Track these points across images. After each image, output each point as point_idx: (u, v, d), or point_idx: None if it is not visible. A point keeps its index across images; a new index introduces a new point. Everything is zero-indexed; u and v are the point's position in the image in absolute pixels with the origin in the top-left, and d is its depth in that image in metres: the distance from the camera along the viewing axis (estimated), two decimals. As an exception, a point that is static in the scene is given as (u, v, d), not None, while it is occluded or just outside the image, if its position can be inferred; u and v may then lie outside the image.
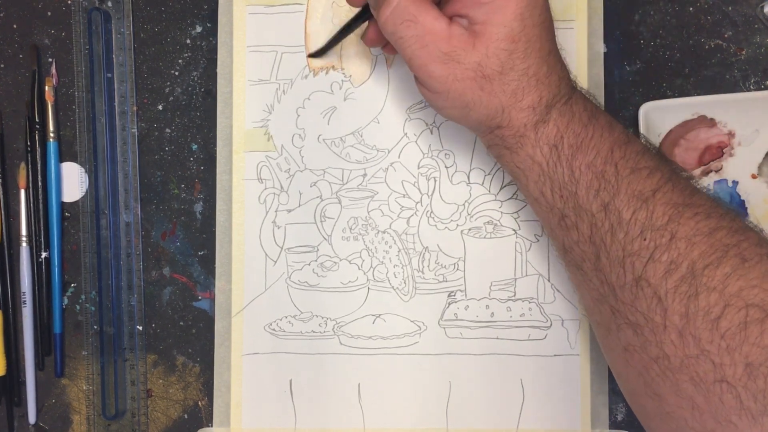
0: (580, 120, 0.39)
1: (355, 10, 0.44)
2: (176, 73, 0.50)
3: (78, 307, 0.50)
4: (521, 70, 0.38)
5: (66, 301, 0.50)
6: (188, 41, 0.50)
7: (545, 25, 0.39)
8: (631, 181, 0.37)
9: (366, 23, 0.44)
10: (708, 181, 0.48)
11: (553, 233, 0.41)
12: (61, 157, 0.50)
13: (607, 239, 0.37)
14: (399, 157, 0.49)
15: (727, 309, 0.34)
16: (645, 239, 0.36)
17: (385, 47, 0.45)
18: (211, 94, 0.50)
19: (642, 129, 0.47)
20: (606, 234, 0.37)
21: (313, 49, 0.48)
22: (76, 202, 0.50)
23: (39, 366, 0.50)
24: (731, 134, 0.48)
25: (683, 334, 0.35)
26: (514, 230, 0.48)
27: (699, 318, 0.34)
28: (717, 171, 0.48)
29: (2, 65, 0.51)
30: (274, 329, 0.49)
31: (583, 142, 0.38)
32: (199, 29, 0.50)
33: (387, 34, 0.40)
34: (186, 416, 0.50)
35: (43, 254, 0.50)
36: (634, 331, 0.37)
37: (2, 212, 0.50)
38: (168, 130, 0.50)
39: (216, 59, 0.49)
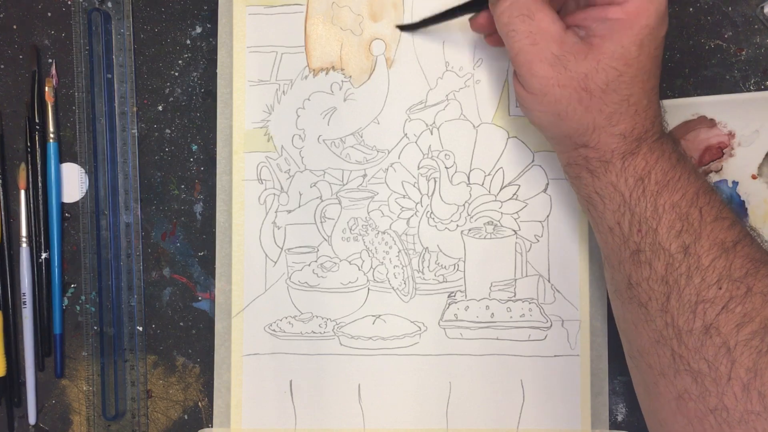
0: (669, 160, 0.38)
1: None
2: (176, 74, 0.50)
3: (78, 307, 0.50)
4: (623, 96, 0.38)
5: (66, 301, 0.50)
6: (188, 42, 0.50)
7: (657, 60, 0.38)
8: (714, 229, 0.37)
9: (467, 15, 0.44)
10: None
11: (619, 266, 0.40)
12: (61, 158, 0.50)
13: (682, 282, 0.37)
14: (399, 157, 0.49)
15: None
16: (721, 288, 0.36)
17: (489, 37, 0.45)
18: (211, 95, 0.50)
19: (642, 129, 0.47)
20: (681, 276, 0.37)
21: (397, 24, 0.49)
22: (76, 203, 0.50)
23: (39, 367, 0.50)
24: (731, 134, 0.48)
25: (748, 388, 0.34)
26: (514, 231, 0.48)
27: (767, 375, 0.34)
28: (717, 171, 0.48)
29: (2, 66, 0.51)
30: (274, 330, 0.49)
31: (670, 181, 0.38)
32: (198, 30, 0.50)
33: (501, 24, 0.39)
34: (186, 417, 0.50)
35: (43, 255, 0.50)
36: (693, 378, 0.36)
37: (2, 213, 0.50)
38: (168, 131, 0.50)
39: (216, 60, 0.49)
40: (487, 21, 0.43)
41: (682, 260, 0.37)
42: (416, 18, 0.48)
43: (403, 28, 0.48)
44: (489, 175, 0.49)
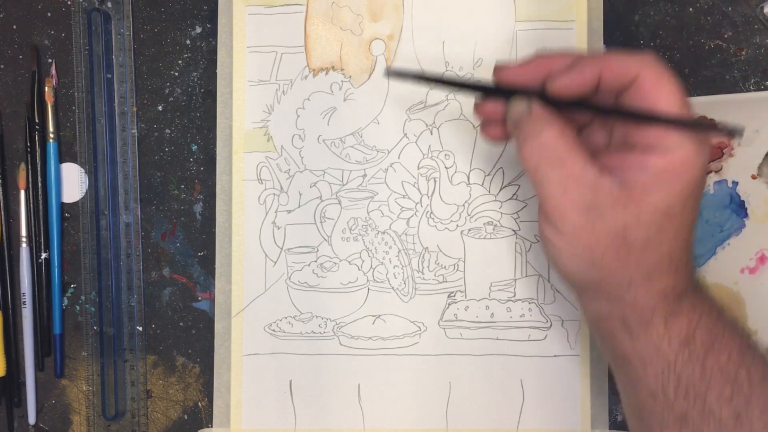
0: (710, 316, 0.36)
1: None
2: (176, 74, 0.50)
3: (78, 307, 0.50)
4: (664, 252, 0.35)
5: (66, 301, 0.50)
6: (188, 42, 0.50)
7: (695, 214, 0.36)
8: (762, 390, 0.35)
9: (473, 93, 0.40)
10: (708, 182, 0.48)
11: (661, 429, 0.37)
12: (61, 158, 0.50)
13: None
14: (399, 157, 0.49)
15: None
16: None
17: (486, 128, 0.41)
18: (210, 95, 0.50)
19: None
20: None
21: (393, 66, 0.46)
22: (75, 203, 0.50)
23: (39, 367, 0.50)
24: (731, 135, 0.48)
25: None
26: (514, 231, 0.48)
27: None
28: (717, 171, 0.48)
29: (2, 66, 0.51)
30: (274, 330, 0.49)
31: (716, 339, 0.35)
32: (198, 30, 0.50)
33: (526, 166, 0.36)
34: (186, 417, 0.50)
35: (43, 255, 0.50)
36: None
37: (2, 213, 0.50)
38: (168, 131, 0.50)
39: (216, 60, 0.49)
40: (502, 134, 0.40)
41: (734, 427, 0.34)
42: (412, 63, 0.46)
43: (391, 74, 0.40)
44: (489, 175, 0.49)
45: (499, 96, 0.39)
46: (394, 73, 0.40)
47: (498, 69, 0.39)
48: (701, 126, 0.35)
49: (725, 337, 0.35)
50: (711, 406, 0.35)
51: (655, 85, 0.34)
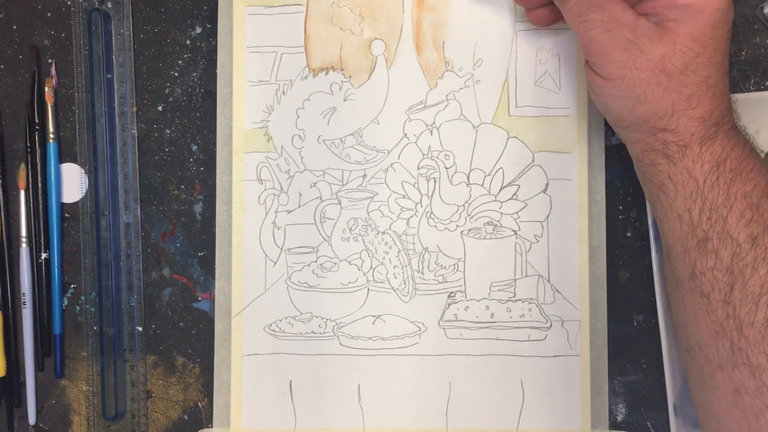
0: (743, 149, 0.39)
1: None
2: (176, 74, 0.50)
3: (78, 308, 0.50)
4: (702, 77, 0.38)
5: (66, 302, 0.50)
6: (188, 42, 0.50)
7: (726, 42, 0.39)
8: None
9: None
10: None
11: (684, 256, 0.39)
12: (61, 158, 0.50)
13: (747, 272, 0.37)
14: (399, 157, 0.49)
15: None
16: None
17: (532, 12, 0.46)
18: (210, 95, 0.50)
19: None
20: (747, 266, 0.37)
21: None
22: (76, 203, 0.50)
23: (39, 367, 0.50)
24: (731, 135, 0.48)
25: None
26: (514, 231, 0.48)
27: None
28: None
29: (2, 66, 0.51)
30: (274, 330, 0.49)
31: (744, 170, 0.38)
32: (198, 30, 0.50)
33: (571, 16, 0.40)
34: (186, 417, 0.50)
35: (43, 255, 0.50)
36: (751, 372, 0.36)
37: (2, 213, 0.50)
38: (168, 131, 0.50)
39: (216, 60, 0.49)
40: (550, 14, 0.44)
41: (749, 250, 0.37)
42: None
43: None
44: (489, 175, 0.49)
45: None
46: None
47: None
48: None
49: (753, 171, 0.38)
50: (730, 228, 0.37)
51: None
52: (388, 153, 0.49)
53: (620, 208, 0.49)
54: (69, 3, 0.50)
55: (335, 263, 0.49)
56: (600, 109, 0.42)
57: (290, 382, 0.49)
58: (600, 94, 0.41)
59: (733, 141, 0.39)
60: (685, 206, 0.39)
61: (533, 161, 0.48)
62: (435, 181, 0.49)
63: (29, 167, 0.50)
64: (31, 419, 0.50)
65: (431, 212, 0.49)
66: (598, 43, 0.39)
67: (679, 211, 0.39)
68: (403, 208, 0.49)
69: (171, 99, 0.50)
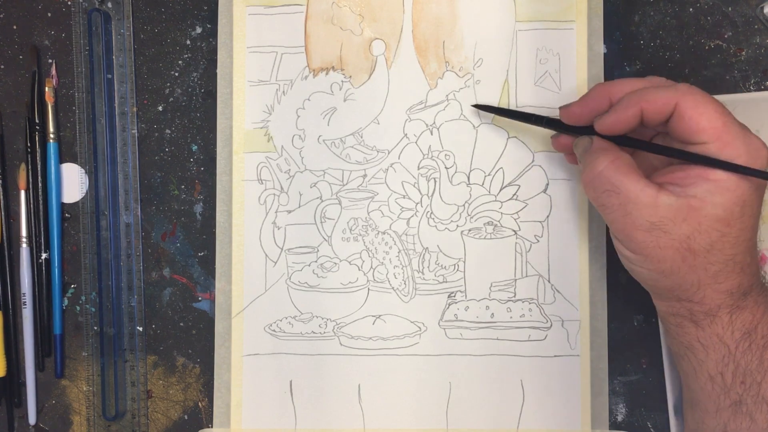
0: None
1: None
2: (176, 74, 0.50)
3: (78, 308, 0.50)
4: (728, 255, 0.37)
5: (66, 302, 0.50)
6: (188, 42, 0.50)
7: (756, 218, 0.38)
8: None
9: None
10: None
11: (716, 414, 0.39)
12: (61, 158, 0.50)
13: None
14: (399, 157, 0.49)
15: None
16: None
17: (570, 156, 0.46)
18: (211, 95, 0.50)
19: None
20: None
21: (480, 104, 0.48)
22: (76, 203, 0.50)
23: (39, 367, 0.50)
24: (731, 135, 0.48)
25: None
26: (514, 231, 0.48)
27: None
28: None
29: (2, 66, 0.51)
30: (274, 330, 0.49)
31: None
32: (199, 30, 0.50)
33: (588, 195, 0.40)
34: (186, 417, 0.50)
35: (43, 255, 0.50)
36: None
37: (2, 213, 0.50)
38: (168, 131, 0.50)
39: (216, 60, 0.49)
40: (567, 146, 0.44)
41: None
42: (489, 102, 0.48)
43: (479, 107, 0.48)
44: (489, 175, 0.49)
45: (569, 132, 0.44)
46: (478, 107, 0.48)
47: (563, 109, 0.43)
48: (742, 169, 0.37)
49: None
50: (765, 393, 0.37)
51: (694, 111, 0.37)
52: (389, 153, 0.49)
53: (620, 208, 0.49)
54: (69, 3, 0.50)
55: (335, 263, 0.49)
56: (629, 271, 0.42)
57: (290, 382, 0.49)
58: (625, 263, 0.41)
59: (764, 306, 0.38)
60: (717, 369, 0.39)
61: (533, 161, 0.48)
62: (435, 181, 0.49)
63: (29, 167, 0.50)
64: (32, 419, 0.50)
65: (431, 212, 0.49)
66: (618, 224, 0.38)
67: (711, 373, 0.39)
68: (403, 208, 0.49)
69: (171, 99, 0.50)
